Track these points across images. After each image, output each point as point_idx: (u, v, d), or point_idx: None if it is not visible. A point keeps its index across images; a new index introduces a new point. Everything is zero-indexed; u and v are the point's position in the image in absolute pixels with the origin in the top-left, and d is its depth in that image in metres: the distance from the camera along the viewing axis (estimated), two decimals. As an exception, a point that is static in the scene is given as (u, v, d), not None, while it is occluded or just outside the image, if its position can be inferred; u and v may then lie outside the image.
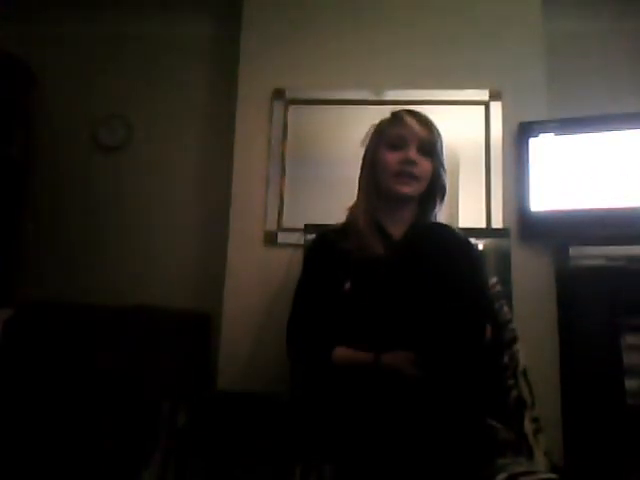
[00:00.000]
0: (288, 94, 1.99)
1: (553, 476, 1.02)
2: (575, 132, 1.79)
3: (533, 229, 1.80)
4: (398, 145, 1.19)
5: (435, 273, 1.10)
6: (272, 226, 1.91)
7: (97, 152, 2.30)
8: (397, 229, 1.22)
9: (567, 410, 1.67)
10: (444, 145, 1.25)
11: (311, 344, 1.16)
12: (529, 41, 1.95)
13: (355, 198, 1.30)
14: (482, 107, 1.93)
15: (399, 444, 0.98)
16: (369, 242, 1.16)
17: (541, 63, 1.94)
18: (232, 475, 1.45)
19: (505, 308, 1.41)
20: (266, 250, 1.90)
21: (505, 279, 1.65)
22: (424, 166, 1.20)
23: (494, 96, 1.92)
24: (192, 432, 1.54)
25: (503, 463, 1.05)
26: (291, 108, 2.00)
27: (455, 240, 1.20)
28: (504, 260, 1.73)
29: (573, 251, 1.70)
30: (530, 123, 1.85)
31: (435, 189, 1.25)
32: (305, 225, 1.77)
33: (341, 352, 1.11)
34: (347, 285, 1.13)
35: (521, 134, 1.86)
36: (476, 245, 1.68)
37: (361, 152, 1.32)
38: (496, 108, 1.92)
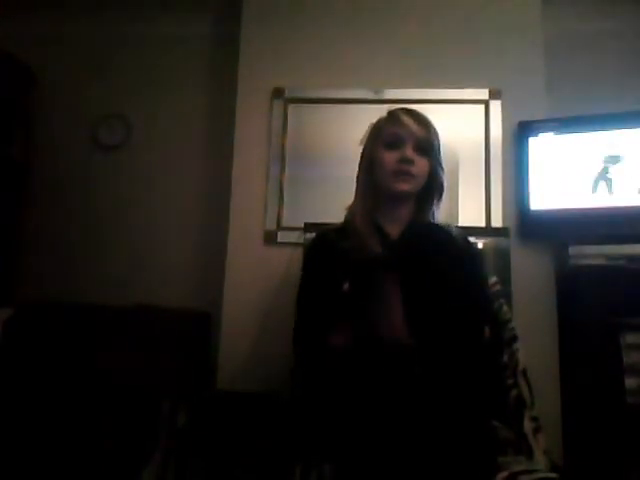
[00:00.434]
0: (288, 93, 1.99)
1: (553, 475, 1.02)
2: (575, 131, 1.79)
3: (533, 228, 1.80)
4: (395, 144, 1.19)
5: (432, 272, 1.11)
6: (272, 225, 1.91)
7: (97, 152, 2.30)
8: (395, 228, 1.22)
9: (567, 409, 1.67)
10: (443, 144, 1.25)
11: (319, 344, 1.15)
12: (529, 40, 1.95)
13: (353, 197, 1.29)
14: (482, 106, 1.93)
15: (400, 443, 0.98)
16: (367, 241, 1.16)
17: (541, 62, 1.93)
18: (232, 475, 1.45)
19: (505, 307, 1.41)
20: (266, 249, 1.90)
21: (505, 278, 1.65)
22: (421, 164, 1.19)
23: (494, 95, 1.92)
24: (192, 432, 1.54)
25: (503, 462, 1.05)
26: (291, 107, 2.00)
27: (452, 239, 1.21)
28: (504, 259, 1.73)
29: (573, 250, 1.70)
30: (530, 122, 1.85)
31: (432, 188, 1.25)
32: (305, 224, 1.77)
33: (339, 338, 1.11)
34: (346, 286, 1.12)
35: (521, 133, 1.86)
36: (475, 244, 1.68)
37: (360, 151, 1.32)
38: (496, 107, 1.92)
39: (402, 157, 1.17)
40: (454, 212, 1.85)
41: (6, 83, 2.18)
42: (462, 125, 1.92)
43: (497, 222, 1.83)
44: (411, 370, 1.04)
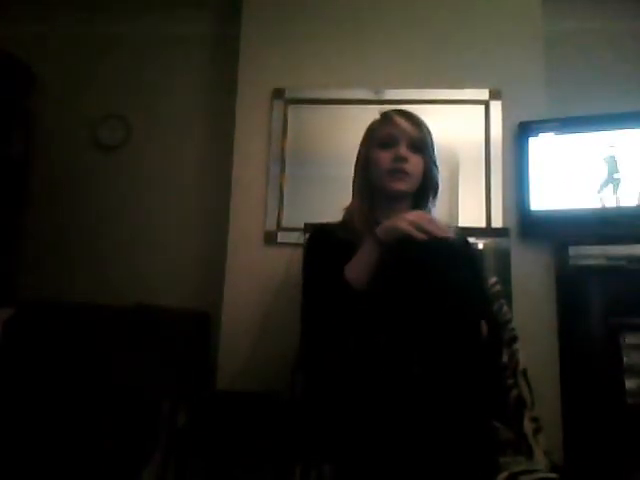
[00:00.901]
0: (287, 94, 1.99)
1: (553, 475, 1.02)
2: (575, 131, 1.79)
3: (533, 228, 1.80)
4: (389, 144, 1.21)
5: (430, 273, 1.10)
6: (272, 225, 1.91)
7: (97, 152, 2.30)
8: None
9: (567, 409, 1.67)
10: (443, 144, 1.26)
11: (332, 334, 1.14)
12: (529, 40, 1.95)
13: (351, 199, 1.30)
14: (482, 106, 1.93)
15: (400, 443, 0.98)
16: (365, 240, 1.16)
17: (541, 62, 1.94)
18: (232, 475, 1.45)
19: (505, 308, 1.41)
20: (266, 249, 1.90)
21: (505, 279, 1.65)
22: (415, 162, 1.21)
23: (494, 95, 1.92)
24: (192, 432, 1.54)
25: (503, 462, 1.05)
26: (290, 107, 2.00)
27: (451, 239, 1.20)
28: (504, 260, 1.73)
29: (573, 250, 1.70)
30: (530, 122, 1.85)
31: (428, 186, 1.26)
32: (305, 224, 1.77)
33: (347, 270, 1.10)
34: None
35: (521, 133, 1.86)
36: (475, 245, 1.68)
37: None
38: (496, 107, 1.92)
39: (396, 155, 1.19)
40: (454, 212, 1.86)
41: (6, 83, 2.17)
42: (462, 125, 1.92)
43: (497, 222, 1.83)
44: (410, 370, 1.04)
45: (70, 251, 2.25)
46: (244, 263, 1.89)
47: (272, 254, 1.88)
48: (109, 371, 1.69)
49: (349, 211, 1.27)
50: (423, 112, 1.27)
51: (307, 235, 1.69)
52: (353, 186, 1.29)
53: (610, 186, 1.72)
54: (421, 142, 1.22)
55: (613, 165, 1.73)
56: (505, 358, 1.31)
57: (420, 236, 1.04)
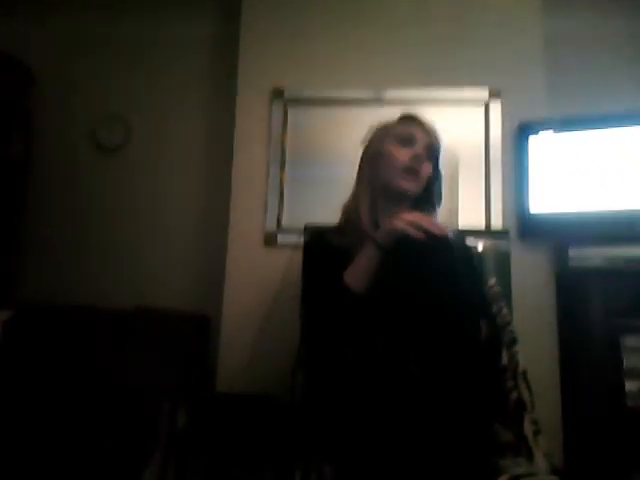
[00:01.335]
0: (287, 93, 1.99)
1: (553, 477, 1.02)
2: (574, 130, 1.79)
3: (533, 230, 1.80)
4: (407, 141, 1.19)
5: (429, 274, 1.10)
6: (272, 227, 1.91)
7: (96, 152, 2.30)
8: None
9: (567, 411, 1.67)
10: (443, 145, 1.25)
11: (331, 342, 1.13)
12: (529, 40, 1.95)
13: (352, 195, 1.27)
14: (482, 107, 1.93)
15: (399, 444, 0.98)
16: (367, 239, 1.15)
17: (541, 62, 1.93)
18: (232, 475, 1.45)
19: (505, 309, 1.40)
20: (266, 251, 1.90)
21: (505, 281, 1.64)
22: (426, 167, 1.20)
23: (494, 95, 1.92)
24: (192, 433, 1.54)
25: (503, 464, 1.05)
26: (290, 107, 2.00)
27: (449, 241, 1.19)
28: (503, 261, 1.73)
29: (572, 252, 1.70)
30: (530, 122, 1.84)
31: (429, 194, 1.24)
32: (305, 226, 1.77)
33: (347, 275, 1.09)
34: None
35: (521, 133, 1.86)
36: (475, 246, 1.68)
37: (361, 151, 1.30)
38: (496, 107, 1.91)
39: (415, 154, 1.17)
40: (454, 214, 1.85)
41: (5, 83, 2.17)
42: (462, 126, 1.92)
43: (497, 224, 1.83)
44: (409, 371, 1.03)
45: (69, 253, 2.24)
46: (244, 264, 1.89)
47: (272, 256, 1.88)
48: (109, 373, 1.70)
49: (347, 210, 1.25)
50: (423, 112, 1.26)
51: (307, 237, 1.69)
52: (357, 182, 1.26)
53: (610, 187, 1.72)
54: (436, 150, 1.21)
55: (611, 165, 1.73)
56: (505, 360, 1.31)
57: (419, 235, 1.02)
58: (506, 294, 1.56)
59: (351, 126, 1.90)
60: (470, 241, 1.40)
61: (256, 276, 1.87)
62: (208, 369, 1.86)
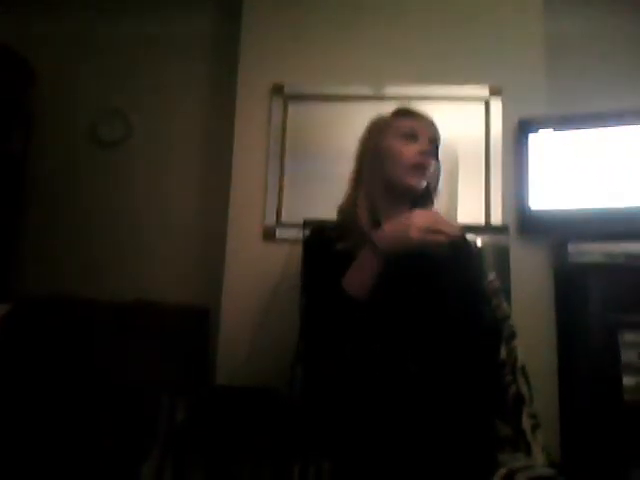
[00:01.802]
0: (287, 89, 1.99)
1: (551, 471, 1.02)
2: (574, 128, 1.79)
3: (532, 226, 1.81)
4: (411, 136, 1.14)
5: (427, 270, 1.09)
6: (271, 221, 1.91)
7: (96, 149, 2.30)
8: None
9: (565, 406, 1.67)
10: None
11: (330, 343, 1.09)
12: (530, 38, 1.95)
13: (349, 193, 1.22)
14: (482, 104, 1.93)
15: (398, 441, 0.98)
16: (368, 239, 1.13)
17: (541, 59, 1.94)
18: (230, 470, 1.45)
19: (504, 304, 1.41)
20: (265, 245, 1.90)
21: (504, 276, 1.65)
22: (433, 163, 1.16)
23: (494, 92, 1.92)
24: (191, 427, 1.54)
25: (502, 459, 1.05)
26: (290, 103, 1.99)
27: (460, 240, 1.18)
28: (503, 257, 1.73)
29: (571, 248, 1.70)
30: (530, 119, 1.85)
31: (428, 188, 1.20)
32: (304, 221, 1.77)
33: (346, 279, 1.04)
34: None
35: (521, 130, 1.86)
36: (474, 242, 1.68)
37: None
38: (496, 104, 1.92)
39: (422, 149, 1.12)
40: (453, 209, 1.85)
41: (6, 80, 2.16)
42: (462, 122, 1.92)
43: (496, 219, 1.84)
44: (406, 368, 1.03)
45: (69, 248, 2.24)
46: (243, 259, 1.90)
47: (271, 250, 1.88)
48: (107, 367, 1.69)
49: (344, 210, 1.21)
50: (424, 109, 1.25)
51: (306, 232, 1.69)
52: (356, 179, 1.20)
53: (609, 184, 1.73)
54: (437, 142, 1.18)
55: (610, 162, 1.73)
56: (504, 354, 1.31)
57: (440, 243, 0.95)
58: (505, 289, 1.56)
59: (351, 122, 1.89)
60: (470, 237, 1.39)
61: (255, 270, 1.88)
62: (208, 362, 1.87)
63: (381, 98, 1.93)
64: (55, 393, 1.66)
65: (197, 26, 2.34)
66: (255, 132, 1.98)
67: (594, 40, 2.17)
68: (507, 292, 1.60)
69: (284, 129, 1.98)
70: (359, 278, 1.02)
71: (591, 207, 1.72)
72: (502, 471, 0.98)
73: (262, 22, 2.04)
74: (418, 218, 0.97)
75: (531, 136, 1.82)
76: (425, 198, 1.23)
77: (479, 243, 1.71)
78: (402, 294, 1.08)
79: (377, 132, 1.20)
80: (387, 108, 1.28)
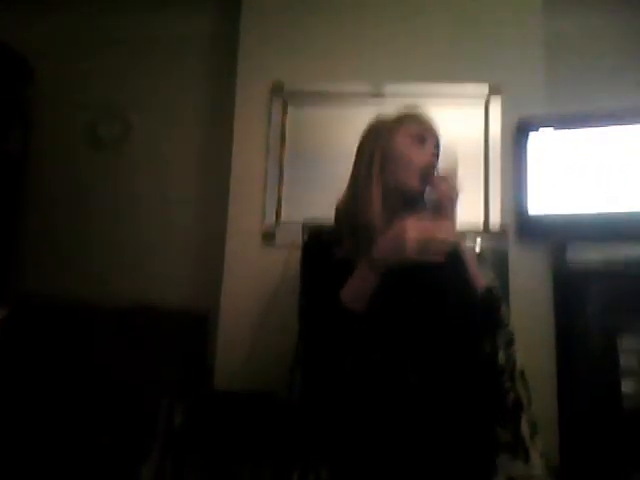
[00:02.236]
0: (287, 88, 1.99)
1: (548, 474, 1.02)
2: (574, 128, 1.79)
3: (531, 231, 1.80)
4: (420, 143, 1.13)
5: (425, 279, 1.08)
6: (270, 224, 1.91)
7: (95, 149, 2.29)
8: None
9: (563, 411, 1.67)
10: (442, 142, 1.23)
11: (329, 355, 1.09)
12: (529, 37, 1.95)
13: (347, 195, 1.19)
14: (482, 103, 1.93)
15: (397, 450, 0.98)
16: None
17: (540, 59, 1.94)
18: (229, 472, 1.45)
19: (503, 308, 1.40)
20: (264, 248, 1.89)
21: (502, 281, 1.64)
22: (437, 170, 1.15)
23: (494, 91, 1.92)
24: (189, 429, 1.54)
25: (500, 465, 1.05)
26: (290, 102, 1.99)
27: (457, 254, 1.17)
28: (502, 261, 1.73)
29: (571, 253, 1.70)
30: (529, 119, 1.84)
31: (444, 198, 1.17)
32: (303, 224, 1.76)
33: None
34: None
35: (520, 129, 1.85)
36: (473, 247, 1.68)
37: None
38: (496, 104, 1.91)
39: (431, 157, 1.12)
40: (452, 212, 1.85)
41: (4, 79, 2.16)
42: (462, 123, 1.91)
43: (495, 224, 1.83)
44: (406, 379, 1.03)
45: (68, 250, 2.24)
46: (242, 262, 1.89)
47: (270, 253, 1.88)
48: (107, 370, 1.70)
49: (350, 212, 1.16)
50: (423, 107, 1.22)
51: (305, 235, 1.68)
52: (364, 180, 1.15)
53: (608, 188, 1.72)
54: (440, 146, 1.17)
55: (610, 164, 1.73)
56: (502, 360, 1.31)
57: (437, 252, 0.93)
58: (504, 294, 1.56)
59: (351, 123, 1.88)
60: (468, 241, 1.39)
61: (254, 273, 1.88)
62: (206, 366, 1.86)
63: (382, 97, 1.93)
64: (55, 395, 1.67)
65: (196, 26, 2.33)
66: (254, 132, 1.97)
67: (594, 40, 2.16)
68: (506, 297, 1.59)
69: (283, 129, 1.98)
70: (356, 292, 1.01)
71: (590, 212, 1.72)
72: (501, 477, 0.98)
73: (261, 22, 2.03)
74: (412, 229, 0.94)
75: (530, 136, 1.81)
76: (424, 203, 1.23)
77: (477, 248, 1.71)
78: (401, 303, 1.07)
79: (387, 133, 1.16)
80: (387, 108, 1.25)
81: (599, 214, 1.71)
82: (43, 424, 1.63)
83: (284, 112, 1.98)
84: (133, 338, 1.77)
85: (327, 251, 1.12)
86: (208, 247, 2.12)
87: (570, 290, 1.71)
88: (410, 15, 2.00)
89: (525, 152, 1.82)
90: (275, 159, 1.95)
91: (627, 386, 1.52)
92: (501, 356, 1.30)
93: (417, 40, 1.98)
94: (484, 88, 1.93)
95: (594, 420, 1.53)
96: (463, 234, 1.31)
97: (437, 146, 1.17)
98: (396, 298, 1.07)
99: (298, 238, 1.75)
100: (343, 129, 1.91)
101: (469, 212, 1.84)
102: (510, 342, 1.34)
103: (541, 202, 1.78)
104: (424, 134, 1.14)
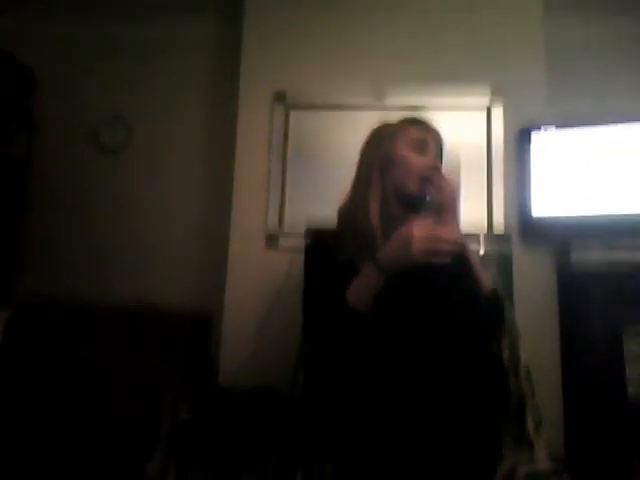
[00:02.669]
0: (289, 97, 2.00)
1: (553, 465, 1.02)
2: (576, 134, 1.79)
3: (535, 233, 1.80)
4: (422, 148, 1.14)
5: (430, 278, 1.09)
6: (273, 228, 1.91)
7: (98, 153, 2.30)
8: None
9: (568, 413, 1.67)
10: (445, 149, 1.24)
11: (333, 354, 1.09)
12: (531, 43, 1.96)
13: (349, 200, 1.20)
14: (484, 110, 1.94)
15: (401, 446, 0.98)
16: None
17: (542, 67, 1.95)
18: (233, 469, 1.45)
19: (506, 304, 1.40)
20: (267, 252, 1.90)
21: (507, 283, 1.64)
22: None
23: (496, 100, 1.93)
24: (194, 427, 1.54)
25: (505, 453, 1.06)
26: (292, 111, 2.00)
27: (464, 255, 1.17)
28: (506, 264, 1.72)
29: (575, 256, 1.70)
30: (531, 125, 1.85)
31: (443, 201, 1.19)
32: (306, 229, 1.76)
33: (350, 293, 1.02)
34: None
35: (522, 136, 1.86)
36: (477, 250, 1.68)
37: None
38: (498, 111, 1.92)
39: (432, 163, 1.13)
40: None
41: (8, 84, 2.17)
42: (464, 131, 1.92)
43: (499, 227, 1.84)
44: (412, 374, 1.03)
45: (71, 253, 2.24)
46: (246, 266, 1.90)
47: (273, 257, 1.88)
48: (110, 370, 1.70)
49: (351, 213, 1.18)
50: (425, 116, 1.25)
51: (308, 239, 1.68)
52: (365, 185, 1.16)
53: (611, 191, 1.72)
54: (442, 153, 1.18)
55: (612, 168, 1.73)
56: (507, 359, 1.31)
57: (442, 253, 0.94)
58: (508, 296, 1.56)
59: (353, 129, 1.89)
60: (472, 244, 1.39)
61: (258, 277, 1.87)
62: (211, 367, 1.86)
63: (383, 106, 1.94)
64: (59, 396, 1.67)
65: (199, 33, 2.35)
66: (257, 139, 1.98)
67: (595, 45, 2.17)
68: (510, 299, 1.60)
69: (286, 136, 1.99)
70: (362, 293, 1.01)
71: (594, 214, 1.72)
72: (505, 464, 0.98)
73: (264, 30, 2.05)
74: (418, 232, 0.94)
75: (533, 142, 1.82)
76: (427, 207, 1.23)
77: (481, 251, 1.71)
78: (407, 302, 1.08)
79: (387, 140, 1.17)
80: (389, 116, 1.27)
81: (603, 215, 1.71)
82: (47, 424, 1.64)
83: (286, 120, 1.99)
84: (137, 338, 1.77)
85: (330, 253, 1.12)
86: (211, 250, 2.12)
87: (574, 291, 1.71)
88: (412, 22, 2.01)
89: (528, 154, 1.83)
90: (278, 163, 1.96)
91: (632, 388, 1.51)
92: (506, 354, 1.30)
93: (419, 46, 2.00)
94: (486, 92, 1.94)
95: (599, 422, 1.53)
96: (466, 236, 1.32)
97: (440, 150, 1.18)
98: (402, 297, 1.07)
99: (301, 241, 1.76)
100: (345, 137, 1.92)
101: (473, 215, 1.85)
102: (515, 341, 1.34)
103: (545, 204, 1.78)
104: (426, 139, 1.15)
